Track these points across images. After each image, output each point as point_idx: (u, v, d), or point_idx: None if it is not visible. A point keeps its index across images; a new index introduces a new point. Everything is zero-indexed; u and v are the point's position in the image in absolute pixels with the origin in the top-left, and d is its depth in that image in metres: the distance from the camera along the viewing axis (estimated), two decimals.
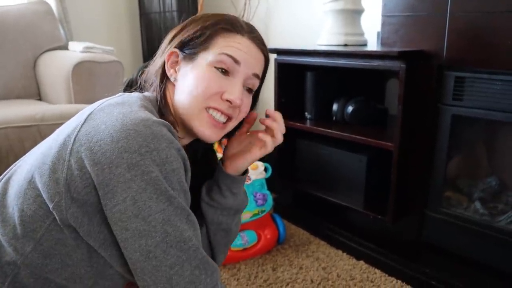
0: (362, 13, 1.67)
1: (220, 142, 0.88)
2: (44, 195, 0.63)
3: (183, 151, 0.65)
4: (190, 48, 0.74)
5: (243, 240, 1.45)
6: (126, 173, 0.58)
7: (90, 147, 0.60)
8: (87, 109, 0.69)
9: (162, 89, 0.75)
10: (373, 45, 1.64)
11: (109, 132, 0.59)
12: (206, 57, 0.72)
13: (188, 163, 0.66)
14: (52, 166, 0.62)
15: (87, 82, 1.78)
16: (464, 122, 1.28)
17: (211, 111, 0.72)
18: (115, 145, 0.58)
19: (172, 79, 0.75)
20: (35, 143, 1.42)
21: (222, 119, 0.74)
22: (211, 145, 0.90)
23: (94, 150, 0.59)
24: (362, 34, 1.68)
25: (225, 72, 0.72)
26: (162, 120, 0.64)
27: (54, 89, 1.89)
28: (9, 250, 0.65)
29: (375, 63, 1.32)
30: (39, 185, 0.64)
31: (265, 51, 0.78)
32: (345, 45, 1.62)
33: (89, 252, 0.66)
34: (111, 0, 2.66)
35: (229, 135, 0.85)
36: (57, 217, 0.63)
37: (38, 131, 1.45)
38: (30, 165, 0.67)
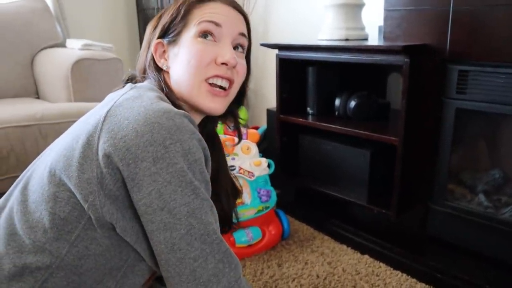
0: (363, 7, 1.67)
1: (225, 121, 0.90)
2: (78, 196, 0.63)
3: (204, 141, 0.66)
4: (171, 32, 0.76)
5: (248, 236, 1.45)
6: (152, 166, 0.58)
7: (115, 143, 0.60)
8: (103, 105, 0.69)
9: (162, 80, 0.76)
10: (374, 40, 1.64)
11: (133, 126, 0.60)
12: (189, 33, 0.74)
13: (208, 152, 0.67)
14: (80, 167, 0.63)
15: (87, 80, 1.77)
16: (468, 116, 1.28)
17: (211, 80, 0.74)
18: (140, 140, 0.59)
19: (165, 67, 0.77)
20: (36, 142, 1.42)
21: (224, 83, 0.75)
22: (214, 125, 0.91)
23: (119, 146, 0.60)
24: (363, 28, 1.68)
25: (210, 38, 0.74)
26: (182, 111, 0.65)
27: (53, 87, 1.87)
28: (42, 255, 0.64)
29: (378, 58, 1.32)
30: (71, 187, 0.64)
31: (241, 10, 0.79)
32: (346, 39, 1.62)
33: (120, 247, 0.67)
34: None
35: (230, 111, 0.85)
36: (92, 217, 0.63)
37: (38, 130, 1.44)
38: (52, 168, 0.66)
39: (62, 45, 2.10)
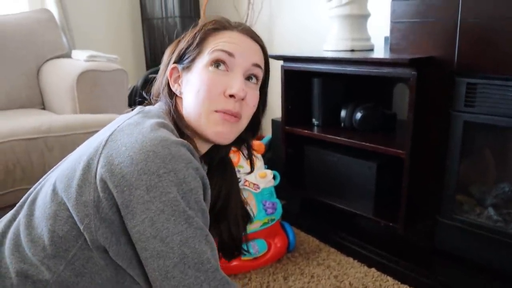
0: (369, 17, 1.66)
1: (239, 149, 0.88)
2: (75, 218, 0.65)
3: (202, 170, 0.65)
4: (186, 58, 0.75)
5: (254, 249, 1.44)
6: (145, 194, 0.59)
7: (111, 169, 0.61)
8: (109, 128, 0.70)
9: (173, 105, 0.75)
10: (380, 50, 1.63)
11: (129, 154, 0.61)
12: (202, 60, 0.73)
13: (207, 181, 0.67)
14: (79, 189, 0.64)
15: (92, 91, 1.77)
16: (476, 129, 1.27)
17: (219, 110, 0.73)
18: (134, 168, 0.59)
19: (178, 93, 0.77)
20: (42, 155, 1.42)
21: (231, 109, 0.73)
22: (227, 153, 0.89)
23: (115, 173, 0.60)
24: (368, 39, 1.67)
25: (222, 67, 0.73)
26: (181, 139, 0.65)
27: (59, 99, 1.87)
28: (41, 268, 0.66)
29: (385, 70, 1.31)
30: (69, 206, 0.65)
31: (259, 41, 0.78)
32: (352, 50, 1.61)
33: (116, 270, 0.68)
34: (113, 6, 2.65)
35: (245, 140, 0.85)
36: (87, 238, 0.64)
37: (44, 143, 1.44)
38: (56, 187, 0.68)
39: (68, 56, 2.11)
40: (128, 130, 0.65)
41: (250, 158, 0.90)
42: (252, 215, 0.94)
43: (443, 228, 1.35)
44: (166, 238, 0.59)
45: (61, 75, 1.88)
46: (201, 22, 0.78)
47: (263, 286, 1.38)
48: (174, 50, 0.79)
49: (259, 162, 1.51)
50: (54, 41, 2.11)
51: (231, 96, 0.72)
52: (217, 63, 0.72)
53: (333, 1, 1.62)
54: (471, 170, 1.38)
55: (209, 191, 0.68)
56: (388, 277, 1.39)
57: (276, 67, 2.15)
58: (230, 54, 0.72)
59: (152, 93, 0.82)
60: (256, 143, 1.55)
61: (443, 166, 1.30)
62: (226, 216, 0.88)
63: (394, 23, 1.36)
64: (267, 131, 2.33)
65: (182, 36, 0.80)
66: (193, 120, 0.74)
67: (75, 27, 2.39)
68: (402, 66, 1.27)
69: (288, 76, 1.66)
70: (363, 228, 1.64)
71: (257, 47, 0.77)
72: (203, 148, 0.79)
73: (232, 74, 0.73)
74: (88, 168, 0.64)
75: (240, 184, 1.45)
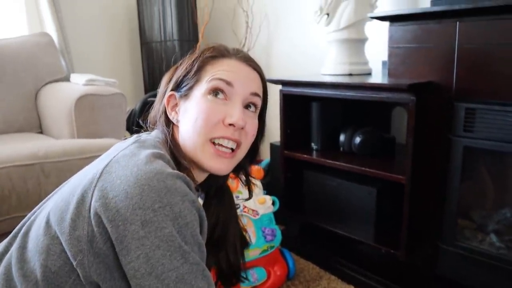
0: (366, 41, 1.67)
1: (237, 176, 0.88)
2: (68, 253, 0.63)
3: (198, 203, 0.64)
4: (184, 86, 0.74)
5: (253, 277, 1.41)
6: (140, 230, 0.57)
7: (105, 203, 0.59)
8: (104, 158, 0.69)
9: (170, 134, 0.74)
10: (378, 74, 1.64)
11: (124, 188, 0.59)
12: (200, 89, 0.72)
13: (203, 213, 0.65)
14: (72, 223, 0.62)
15: (90, 115, 1.76)
16: (476, 154, 1.26)
17: (217, 140, 0.72)
18: (129, 202, 0.58)
19: (174, 121, 0.76)
20: (38, 181, 1.40)
21: (231, 144, 0.73)
22: (225, 181, 0.89)
23: (110, 207, 0.59)
24: (366, 63, 1.68)
25: (221, 96, 0.72)
26: (177, 172, 0.64)
27: (56, 123, 1.87)
28: None
29: (384, 95, 1.31)
30: (62, 241, 0.63)
31: (257, 68, 0.78)
32: (350, 74, 1.62)
33: None
34: (112, 30, 2.67)
35: (243, 167, 0.84)
36: (80, 274, 0.63)
37: (41, 169, 1.42)
38: (49, 219, 0.66)
39: (66, 79, 2.11)
40: (123, 162, 0.64)
41: (248, 184, 0.89)
42: (250, 241, 0.92)
43: (444, 254, 1.32)
44: (161, 275, 0.57)
45: (59, 98, 1.88)
46: (199, 49, 0.78)
47: None
48: (172, 77, 0.78)
49: (257, 188, 1.50)
50: (53, 65, 2.12)
51: (230, 124, 0.71)
52: (215, 91, 0.72)
53: (331, 25, 1.63)
54: (472, 195, 1.36)
55: (205, 223, 0.67)
56: None
57: (274, 91, 2.16)
58: (228, 83, 0.72)
59: (148, 121, 0.82)
60: (254, 169, 1.54)
61: (444, 191, 1.29)
62: (225, 244, 0.86)
63: (392, 48, 1.37)
64: (265, 155, 2.32)
65: (180, 62, 0.79)
66: (190, 149, 0.73)
67: (74, 51, 2.40)
68: (401, 91, 1.26)
69: (287, 100, 1.66)
70: (363, 255, 1.61)
71: (255, 75, 0.77)
72: (201, 177, 0.78)
73: (231, 103, 0.72)
74: (82, 201, 0.63)
75: (238, 210, 1.43)
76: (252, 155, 0.83)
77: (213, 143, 0.72)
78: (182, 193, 0.61)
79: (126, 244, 0.58)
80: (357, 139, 1.53)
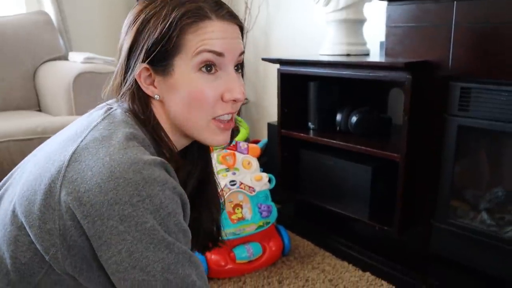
0: (365, 22, 1.67)
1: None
2: (38, 247, 0.60)
3: (179, 188, 0.61)
4: (159, 58, 0.64)
5: (248, 252, 1.43)
6: (119, 225, 0.54)
7: (78, 197, 0.56)
8: (72, 138, 0.63)
9: (151, 110, 0.68)
10: (375, 55, 1.64)
11: (96, 181, 0.55)
12: (185, 63, 0.64)
13: (185, 197, 0.63)
14: (42, 216, 0.59)
15: (88, 93, 1.77)
16: (470, 133, 1.27)
17: (218, 117, 0.67)
18: (104, 197, 0.54)
19: (155, 97, 0.67)
20: None
21: (230, 116, 0.69)
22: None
23: (83, 201, 0.55)
24: (364, 44, 1.68)
25: (213, 70, 0.65)
26: (153, 158, 0.59)
27: (55, 100, 1.87)
28: None
29: (381, 74, 1.32)
30: (31, 235, 0.60)
31: (239, 22, 0.69)
32: (348, 54, 1.62)
33: None
34: (111, 9, 2.65)
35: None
36: (54, 267, 0.60)
37: (39, 144, 1.43)
38: (15, 209, 0.62)
39: (65, 58, 2.11)
40: (93, 149, 0.59)
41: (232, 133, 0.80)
42: (223, 204, 0.87)
43: (437, 232, 1.35)
44: (146, 267, 0.55)
45: (57, 77, 1.88)
46: (169, 10, 0.63)
47: None
48: (135, 44, 0.65)
49: (255, 164, 1.52)
50: (51, 43, 2.11)
51: (232, 100, 0.66)
52: (206, 66, 0.64)
53: (330, 5, 1.63)
54: (465, 174, 1.38)
55: (188, 207, 0.64)
56: (383, 281, 1.39)
57: (272, 70, 2.16)
58: (219, 54, 0.64)
59: (110, 93, 0.72)
60: (251, 147, 1.56)
61: (438, 170, 1.31)
62: (207, 201, 0.83)
63: (389, 28, 1.37)
64: (263, 135, 2.33)
65: (139, 25, 0.64)
66: (187, 127, 0.68)
67: (72, 29, 2.39)
68: (397, 70, 1.27)
69: (285, 80, 1.67)
70: (358, 232, 1.64)
71: (238, 31, 0.69)
72: (183, 143, 0.73)
73: (225, 74, 0.66)
74: (50, 192, 0.58)
75: (235, 187, 1.46)
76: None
77: (214, 118, 0.68)
78: (161, 182, 0.57)
79: (106, 240, 0.55)
80: (354, 118, 1.54)
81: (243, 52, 0.69)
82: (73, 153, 0.59)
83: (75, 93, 1.74)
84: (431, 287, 1.29)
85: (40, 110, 2.05)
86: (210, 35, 0.63)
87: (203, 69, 0.64)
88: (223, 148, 1.43)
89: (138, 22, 0.65)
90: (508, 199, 1.30)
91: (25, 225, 0.60)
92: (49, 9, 2.25)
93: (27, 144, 1.41)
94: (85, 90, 1.75)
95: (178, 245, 0.58)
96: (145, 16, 0.64)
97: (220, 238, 0.88)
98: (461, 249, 1.31)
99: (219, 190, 0.86)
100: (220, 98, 0.66)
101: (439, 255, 1.36)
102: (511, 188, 1.32)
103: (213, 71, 0.65)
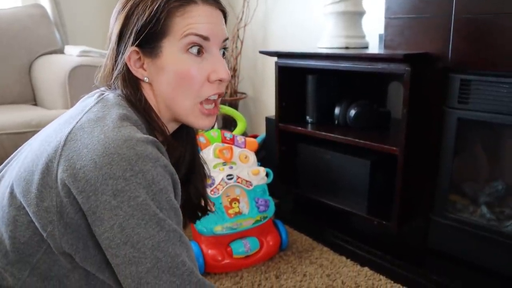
0: (363, 15, 1.65)
1: None
2: (37, 224, 0.61)
3: (171, 167, 0.63)
4: (148, 40, 0.66)
5: (246, 247, 1.42)
6: (112, 200, 0.56)
7: (73, 174, 0.57)
8: (66, 121, 0.65)
9: (140, 92, 0.70)
10: (374, 48, 1.62)
11: (92, 157, 0.57)
12: (172, 45, 0.66)
13: (176, 177, 0.64)
14: (39, 195, 0.60)
15: (84, 86, 1.75)
16: (470, 126, 1.26)
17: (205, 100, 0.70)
18: (99, 172, 0.56)
19: (145, 79, 0.69)
20: None
21: (215, 97, 0.72)
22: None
23: (78, 177, 0.57)
24: (363, 36, 1.66)
25: (199, 51, 0.67)
26: (146, 136, 0.61)
27: (50, 94, 1.85)
28: (4, 275, 0.63)
29: (379, 66, 1.30)
30: (30, 213, 0.61)
31: (222, 7, 0.72)
32: (346, 47, 1.60)
33: (85, 272, 0.65)
34: (107, 3, 2.63)
35: None
36: (51, 245, 0.61)
37: None
38: (13, 190, 0.64)
39: (60, 51, 2.09)
40: (89, 128, 0.61)
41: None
42: (208, 172, 0.88)
43: (436, 226, 1.34)
44: (137, 244, 0.56)
45: (53, 70, 1.86)
46: None
47: (254, 284, 1.36)
48: (124, 29, 0.68)
49: (252, 158, 1.50)
50: (46, 37, 2.09)
51: (218, 80, 0.69)
52: (193, 47, 0.67)
53: None
54: (465, 167, 1.37)
55: (179, 186, 0.65)
56: (381, 276, 1.38)
57: (270, 64, 2.14)
58: (205, 38, 0.67)
59: (102, 78, 0.73)
60: (248, 140, 1.54)
61: (437, 163, 1.29)
62: (193, 176, 0.84)
63: (388, 19, 1.35)
64: (261, 129, 2.32)
65: (128, 11, 0.67)
66: (174, 110, 0.70)
67: (68, 23, 2.37)
68: (396, 62, 1.26)
69: (283, 73, 1.65)
70: (356, 227, 1.62)
71: (220, 15, 0.71)
72: (173, 126, 0.75)
73: (210, 56, 0.69)
74: (47, 171, 0.60)
75: (232, 181, 1.44)
76: None
77: (201, 103, 0.70)
78: (154, 159, 0.59)
79: (99, 215, 0.56)
80: (352, 112, 1.53)
81: (227, 38, 0.73)
82: (69, 133, 0.61)
83: (70, 87, 1.73)
84: (430, 282, 1.28)
85: (36, 104, 2.03)
86: (196, 19, 0.66)
87: (191, 50, 0.67)
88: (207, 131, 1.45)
89: (127, 8, 0.68)
90: (508, 193, 1.29)
91: (24, 204, 0.62)
92: (45, 2, 2.22)
93: (21, 137, 1.39)
94: (80, 84, 1.73)
95: (169, 223, 0.59)
96: (134, 1, 0.67)
97: (207, 207, 0.90)
98: (460, 244, 1.30)
99: (205, 169, 0.88)
100: (207, 80, 0.69)
101: (438, 249, 1.35)
102: (511, 182, 1.30)
103: (200, 53, 0.68)
